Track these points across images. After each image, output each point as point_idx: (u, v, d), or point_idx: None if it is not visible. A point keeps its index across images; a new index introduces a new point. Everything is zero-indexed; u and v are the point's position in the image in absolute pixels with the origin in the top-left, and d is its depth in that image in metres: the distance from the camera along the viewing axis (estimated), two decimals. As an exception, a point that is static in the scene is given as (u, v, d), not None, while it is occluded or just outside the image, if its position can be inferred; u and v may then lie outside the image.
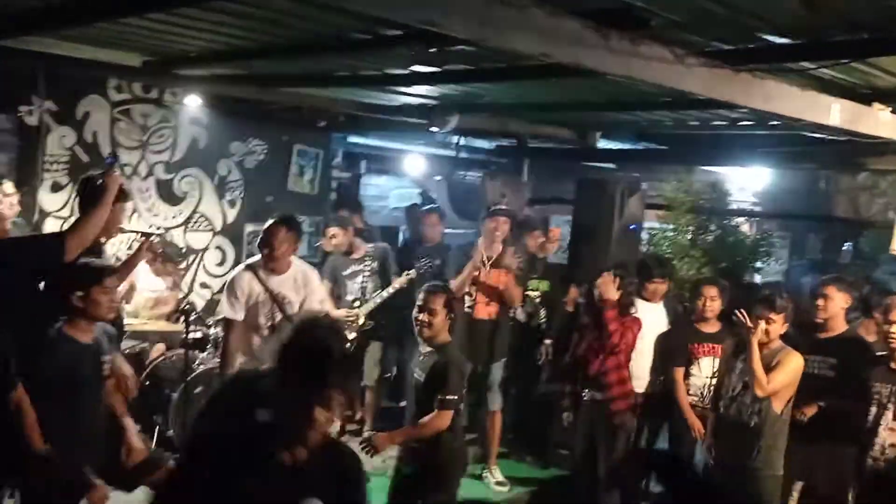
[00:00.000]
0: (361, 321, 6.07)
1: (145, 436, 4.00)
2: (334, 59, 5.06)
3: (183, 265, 6.86)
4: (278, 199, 7.34)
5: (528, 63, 4.29)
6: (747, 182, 9.26)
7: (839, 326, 4.69)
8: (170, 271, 5.21)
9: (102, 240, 4.15)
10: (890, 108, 4.67)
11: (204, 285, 7.11)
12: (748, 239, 8.28)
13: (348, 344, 3.64)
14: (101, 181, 3.85)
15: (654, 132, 7.62)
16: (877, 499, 4.25)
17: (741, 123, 6.37)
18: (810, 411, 4.55)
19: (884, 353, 4.37)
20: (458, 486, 4.24)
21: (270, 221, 4.73)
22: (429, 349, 4.16)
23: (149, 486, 3.38)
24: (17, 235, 4.76)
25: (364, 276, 6.22)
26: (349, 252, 6.26)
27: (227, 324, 4.77)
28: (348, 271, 6.23)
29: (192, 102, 6.59)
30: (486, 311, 5.80)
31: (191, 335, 5.47)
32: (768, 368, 4.36)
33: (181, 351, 5.58)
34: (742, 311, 4.58)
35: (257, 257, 4.84)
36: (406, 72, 5.29)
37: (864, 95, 4.63)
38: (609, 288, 4.96)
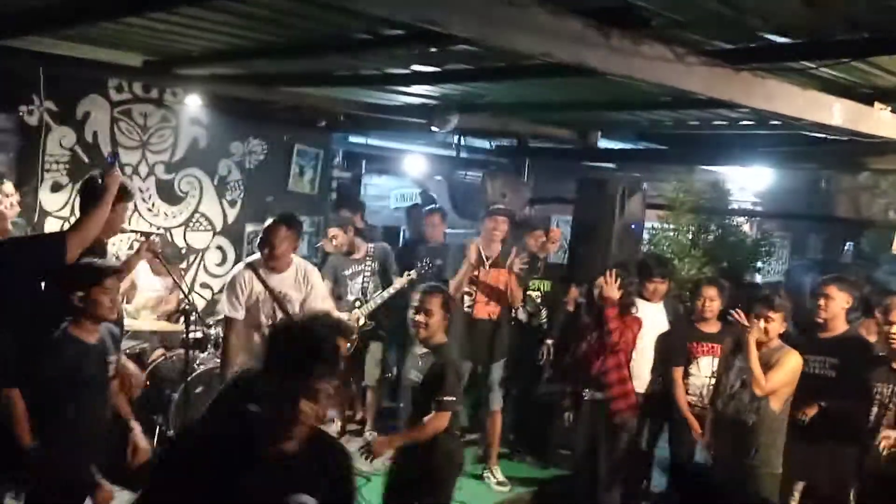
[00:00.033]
0: (362, 321, 6.07)
1: (146, 436, 4.00)
2: (335, 59, 5.06)
3: (183, 265, 6.86)
4: (279, 198, 7.34)
5: (529, 62, 4.29)
6: (748, 182, 9.25)
7: (840, 326, 4.69)
8: (170, 271, 5.20)
9: (105, 239, 4.15)
10: (891, 108, 4.66)
11: (204, 285, 7.11)
12: (749, 239, 8.28)
13: (340, 338, 3.65)
14: (101, 180, 3.85)
15: (654, 132, 7.62)
16: (879, 499, 4.25)
17: (742, 123, 6.36)
18: (811, 412, 4.56)
19: (884, 353, 4.38)
20: (454, 488, 4.22)
21: (270, 220, 4.73)
22: (424, 350, 4.16)
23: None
24: (17, 235, 4.76)
25: (365, 277, 6.22)
26: (350, 252, 6.26)
27: (228, 322, 4.77)
28: (349, 271, 6.23)
29: (193, 102, 6.59)
30: (486, 310, 5.80)
31: (191, 335, 5.47)
32: (767, 367, 4.37)
33: (181, 351, 5.58)
34: (738, 310, 4.59)
35: (257, 255, 4.84)
36: (407, 71, 5.29)
37: (865, 95, 4.63)
38: (610, 286, 4.97)
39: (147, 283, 5.88)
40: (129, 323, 5.32)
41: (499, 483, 5.76)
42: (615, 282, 4.99)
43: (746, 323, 4.45)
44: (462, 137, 8.32)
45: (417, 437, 4.01)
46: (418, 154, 9.80)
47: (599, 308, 5.08)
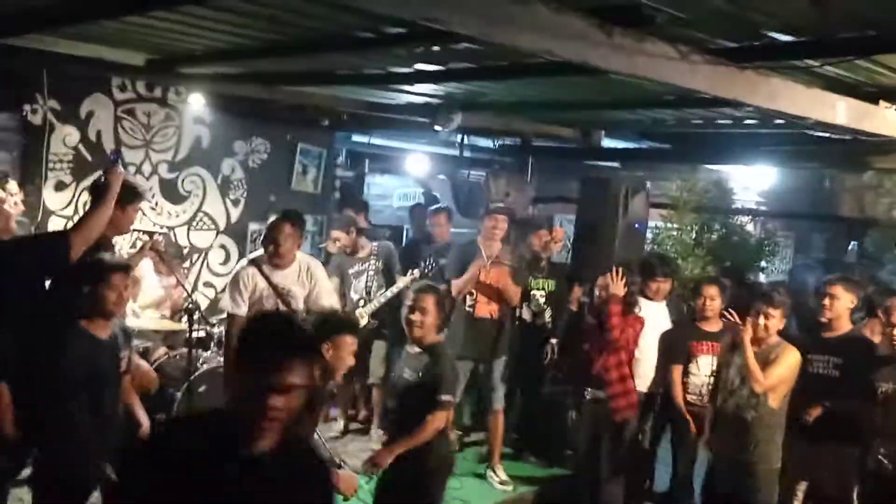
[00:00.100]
0: (366, 320, 6.07)
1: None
2: (338, 58, 5.06)
3: (186, 264, 6.87)
4: (282, 198, 7.34)
5: (532, 61, 4.28)
6: (751, 181, 9.24)
7: (844, 326, 4.68)
8: (173, 270, 5.21)
9: (112, 238, 4.16)
10: (895, 107, 4.65)
11: (208, 284, 7.12)
12: (752, 238, 8.27)
13: (349, 336, 3.65)
14: (104, 179, 3.86)
15: (658, 131, 7.61)
16: (882, 499, 4.24)
17: (746, 122, 6.35)
18: (815, 412, 4.55)
19: (888, 353, 4.37)
20: (445, 489, 4.21)
21: (274, 218, 4.73)
22: (417, 350, 4.15)
23: None
24: (21, 234, 4.76)
25: (369, 276, 6.23)
26: (354, 252, 6.27)
27: (231, 319, 4.77)
28: (353, 270, 6.23)
29: (196, 101, 6.59)
30: (487, 309, 5.79)
31: (194, 334, 5.47)
32: (766, 364, 4.38)
33: (185, 350, 5.58)
34: (731, 310, 4.61)
35: (260, 252, 4.84)
36: (410, 70, 5.28)
37: (870, 94, 4.61)
38: (616, 283, 4.97)
39: (150, 282, 5.88)
40: (132, 322, 5.33)
41: (501, 482, 5.75)
42: (621, 279, 4.99)
43: (740, 322, 4.48)
44: (465, 136, 8.30)
45: (418, 440, 3.99)
46: (421, 153, 9.80)
47: (601, 307, 5.08)
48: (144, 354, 5.65)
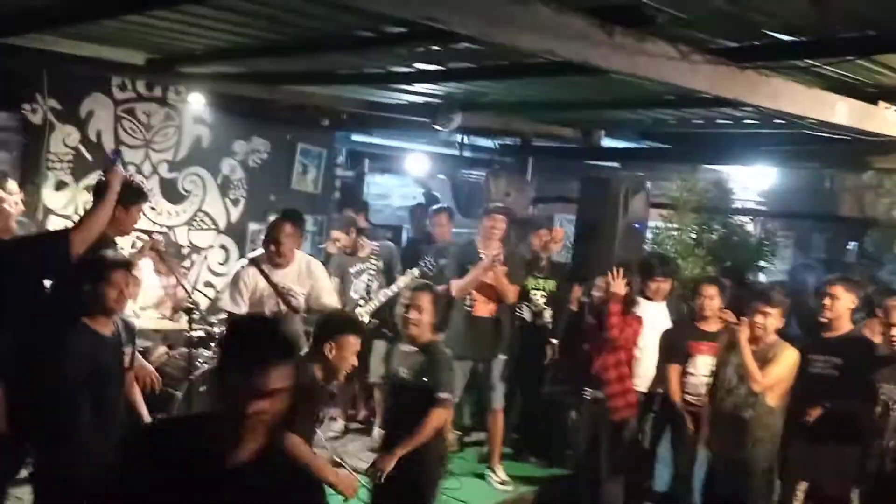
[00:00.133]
0: (366, 320, 6.06)
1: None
2: (338, 57, 5.05)
3: (186, 264, 6.87)
4: (282, 197, 7.34)
5: (532, 61, 4.28)
6: (751, 181, 9.23)
7: (845, 326, 4.68)
8: (172, 270, 5.21)
9: (115, 238, 4.15)
10: (895, 107, 4.65)
11: (207, 284, 7.11)
12: (752, 238, 8.26)
13: (354, 335, 3.65)
14: (103, 178, 3.86)
15: (658, 131, 7.61)
16: (883, 500, 4.24)
17: (746, 122, 6.35)
18: (815, 413, 4.55)
19: (889, 353, 4.37)
20: (438, 487, 4.22)
21: (275, 217, 4.74)
22: (412, 348, 4.14)
23: None
24: (21, 234, 4.76)
25: (369, 275, 6.22)
26: (354, 251, 6.27)
27: (230, 318, 4.77)
28: (354, 269, 6.23)
29: (196, 101, 6.59)
30: (486, 308, 5.78)
31: (194, 333, 5.47)
32: (764, 362, 4.38)
33: (185, 349, 5.57)
34: (727, 311, 4.61)
35: (260, 251, 4.84)
36: (410, 70, 5.28)
37: (870, 94, 4.61)
38: (617, 282, 4.96)
39: (150, 282, 5.87)
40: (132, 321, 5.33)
41: (501, 482, 5.75)
42: (621, 279, 4.99)
43: (735, 322, 4.49)
44: (465, 136, 8.30)
45: (419, 440, 3.99)
46: (421, 153, 9.79)
47: (601, 307, 5.08)
48: (144, 354, 5.64)
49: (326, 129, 7.80)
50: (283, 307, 4.67)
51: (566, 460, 5.99)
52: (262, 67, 5.70)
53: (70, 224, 4.71)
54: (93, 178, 5.91)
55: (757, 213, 9.85)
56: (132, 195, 4.13)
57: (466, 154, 8.88)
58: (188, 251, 6.94)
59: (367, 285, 6.20)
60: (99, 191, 3.92)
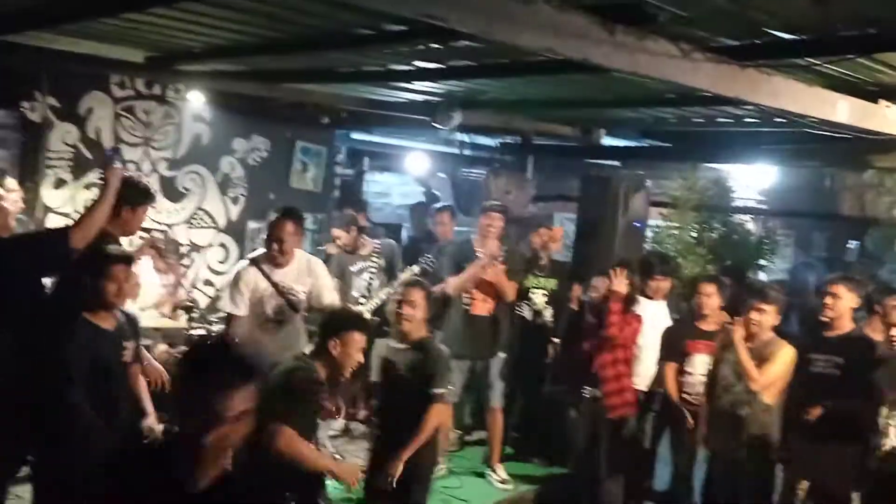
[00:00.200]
0: (367, 318, 6.05)
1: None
2: (337, 55, 5.04)
3: (186, 262, 6.85)
4: (281, 196, 7.32)
5: (533, 59, 4.27)
6: (752, 179, 9.22)
7: (846, 325, 4.67)
8: (172, 268, 5.20)
9: (118, 237, 4.14)
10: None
11: (207, 282, 7.10)
12: (753, 237, 8.25)
13: (359, 332, 3.64)
14: (102, 175, 3.85)
15: (658, 129, 7.59)
16: (884, 499, 4.24)
17: (746, 120, 6.34)
18: (816, 412, 4.54)
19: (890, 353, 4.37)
20: (432, 485, 4.23)
21: (276, 216, 4.71)
22: (403, 346, 4.13)
23: None
24: (20, 232, 4.75)
25: (370, 273, 6.22)
26: (355, 249, 6.26)
27: (229, 318, 4.76)
28: (355, 268, 6.23)
29: (195, 99, 6.58)
30: (484, 307, 5.76)
31: (193, 332, 5.47)
32: (761, 360, 4.38)
33: (184, 348, 5.57)
34: (723, 311, 4.62)
35: (260, 251, 4.83)
36: (410, 68, 5.27)
37: (871, 92, 4.60)
38: (619, 281, 4.96)
39: (150, 280, 5.87)
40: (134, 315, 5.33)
41: (502, 481, 5.74)
42: (623, 277, 4.99)
43: (730, 321, 4.49)
44: (466, 135, 8.29)
45: (423, 439, 3.98)
46: (421, 151, 9.78)
47: (601, 306, 5.07)
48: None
49: (326, 127, 7.78)
50: (286, 306, 4.65)
51: (567, 459, 5.99)
52: (262, 65, 5.69)
53: (70, 222, 4.71)
54: (92, 176, 5.92)
55: (757, 211, 9.83)
56: (139, 196, 4.12)
57: (466, 152, 8.87)
58: (187, 249, 6.93)
59: (368, 284, 6.19)
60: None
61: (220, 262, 7.16)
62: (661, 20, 3.33)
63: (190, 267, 6.94)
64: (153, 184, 6.62)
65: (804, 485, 4.72)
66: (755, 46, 3.82)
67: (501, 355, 5.83)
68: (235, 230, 7.25)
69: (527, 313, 6.15)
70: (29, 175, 5.80)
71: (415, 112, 6.82)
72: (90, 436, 3.48)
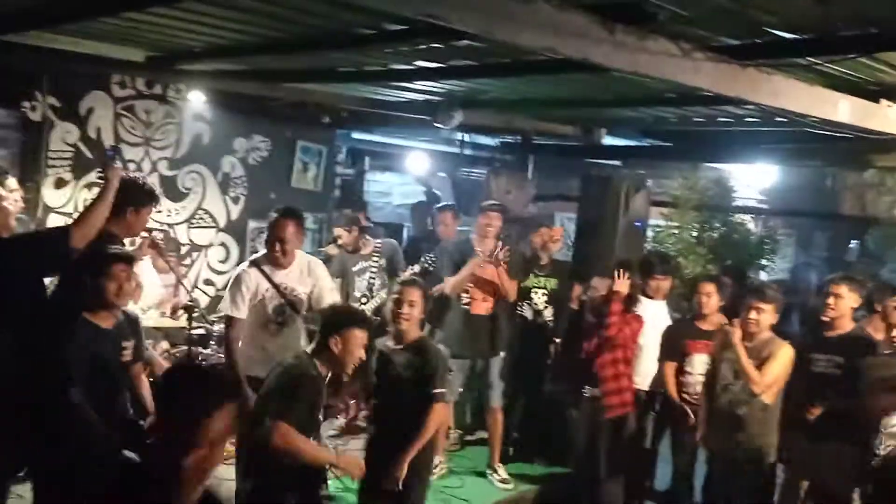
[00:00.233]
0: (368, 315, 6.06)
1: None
2: (338, 55, 5.04)
3: (186, 262, 6.86)
4: (282, 195, 7.32)
5: (533, 58, 4.27)
6: (753, 179, 9.22)
7: (846, 325, 4.67)
8: (172, 267, 5.20)
9: (123, 238, 4.14)
10: (897, 105, 4.64)
11: (208, 282, 7.11)
12: (754, 236, 8.25)
13: (362, 330, 3.63)
14: (101, 174, 3.85)
15: (659, 129, 7.58)
16: (885, 499, 4.23)
17: (747, 120, 6.33)
18: (817, 411, 4.54)
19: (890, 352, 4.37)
20: (428, 485, 4.23)
21: (277, 216, 4.70)
22: (399, 346, 4.12)
23: None
24: (21, 231, 4.75)
25: (372, 273, 6.22)
26: (356, 249, 6.26)
27: (230, 321, 4.75)
28: (356, 267, 6.22)
29: (196, 98, 6.58)
30: (483, 306, 5.76)
31: (194, 331, 5.47)
32: (760, 360, 4.38)
33: (185, 347, 5.57)
34: (724, 311, 4.61)
35: (261, 252, 4.82)
36: (411, 67, 5.27)
37: (872, 92, 4.60)
38: (622, 281, 4.96)
39: (151, 280, 5.86)
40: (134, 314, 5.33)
41: (502, 481, 5.74)
42: (625, 277, 4.99)
43: (728, 322, 4.49)
44: (466, 134, 8.29)
45: (423, 440, 3.98)
46: (422, 151, 9.78)
47: (601, 306, 5.07)
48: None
49: (327, 126, 7.79)
50: (288, 307, 4.64)
51: (567, 459, 5.98)
52: (263, 65, 5.69)
53: (70, 221, 4.71)
54: (92, 175, 5.91)
55: (758, 211, 9.83)
56: (143, 197, 4.11)
57: (467, 152, 8.88)
58: (188, 249, 6.93)
59: (370, 283, 6.20)
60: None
61: (221, 262, 7.17)
62: (662, 19, 3.32)
63: (191, 266, 6.95)
64: (154, 183, 6.64)
65: (804, 484, 4.72)
66: (756, 46, 3.82)
67: (502, 355, 5.82)
68: (236, 230, 7.26)
69: (527, 313, 6.15)
70: (30, 175, 5.81)
71: (416, 112, 6.82)
72: (90, 435, 3.48)
